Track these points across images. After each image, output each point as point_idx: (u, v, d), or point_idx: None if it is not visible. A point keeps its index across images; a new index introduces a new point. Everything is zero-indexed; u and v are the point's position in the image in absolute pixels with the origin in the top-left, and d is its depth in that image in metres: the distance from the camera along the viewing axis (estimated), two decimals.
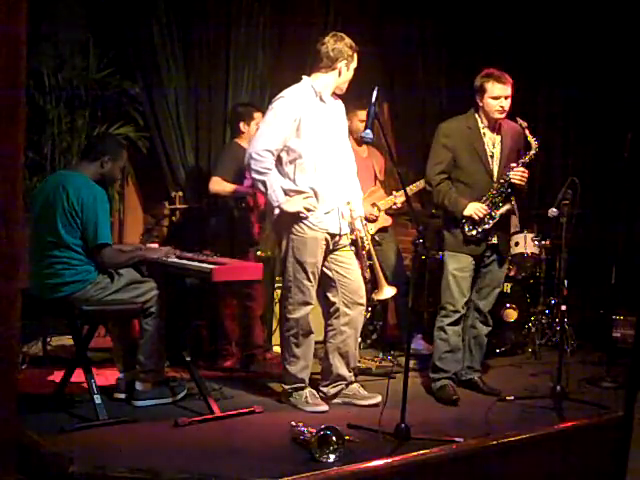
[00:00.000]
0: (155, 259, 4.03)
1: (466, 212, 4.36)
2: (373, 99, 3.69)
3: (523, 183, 4.39)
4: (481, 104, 4.41)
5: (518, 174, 4.36)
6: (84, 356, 3.89)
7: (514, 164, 4.39)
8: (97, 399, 3.69)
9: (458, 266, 4.43)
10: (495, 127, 4.47)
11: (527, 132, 4.40)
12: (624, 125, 5.51)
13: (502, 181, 4.39)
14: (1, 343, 2.60)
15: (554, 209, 4.77)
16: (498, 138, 4.48)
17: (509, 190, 4.41)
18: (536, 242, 5.85)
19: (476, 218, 4.35)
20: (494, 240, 4.47)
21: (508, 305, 5.66)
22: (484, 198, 4.40)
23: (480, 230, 4.38)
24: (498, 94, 4.34)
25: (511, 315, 5.66)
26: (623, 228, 5.44)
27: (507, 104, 4.38)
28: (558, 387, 4.25)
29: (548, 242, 5.85)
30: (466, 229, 4.38)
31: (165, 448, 3.40)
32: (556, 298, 5.82)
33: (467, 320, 4.59)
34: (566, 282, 4.95)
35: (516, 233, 5.99)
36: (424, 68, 6.76)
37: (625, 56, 6.05)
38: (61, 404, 3.91)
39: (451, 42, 6.63)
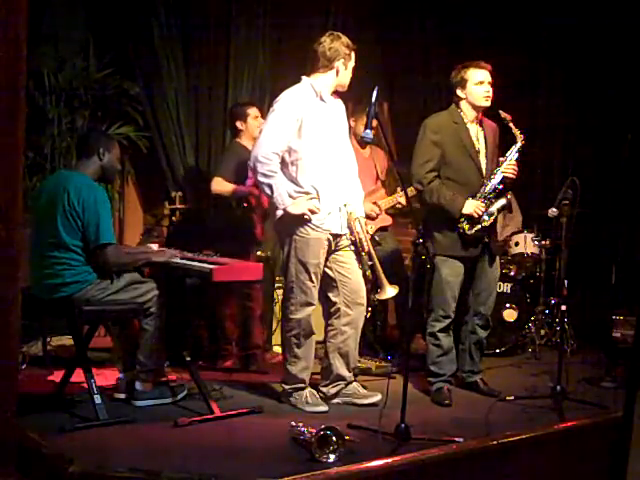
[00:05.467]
0: (161, 262, 4.03)
1: (466, 210, 4.28)
2: (373, 99, 3.69)
3: (514, 177, 4.35)
4: (464, 95, 4.36)
5: (510, 168, 4.33)
6: (84, 356, 3.88)
7: (502, 158, 4.36)
8: (97, 399, 3.69)
9: (451, 271, 4.36)
10: (478, 121, 4.42)
11: (511, 125, 4.35)
12: (624, 125, 5.51)
13: (493, 176, 4.35)
14: (1, 343, 2.60)
15: (554, 209, 4.76)
16: (481, 132, 4.43)
17: (501, 185, 4.36)
18: (536, 242, 5.85)
19: (476, 216, 4.29)
20: (486, 239, 4.41)
21: (508, 305, 5.66)
22: (478, 195, 4.34)
23: (479, 228, 4.32)
24: (481, 79, 4.31)
25: (511, 315, 5.66)
26: (623, 228, 5.45)
27: (491, 90, 4.34)
28: (558, 387, 4.24)
29: (548, 242, 5.86)
30: (466, 228, 4.32)
31: (165, 448, 3.39)
32: (556, 298, 5.83)
33: (467, 326, 4.56)
34: (566, 282, 4.94)
35: (516, 233, 6.00)
36: (424, 68, 6.77)
37: (625, 57, 6.04)
38: (61, 404, 3.91)
39: (451, 42, 6.62)
